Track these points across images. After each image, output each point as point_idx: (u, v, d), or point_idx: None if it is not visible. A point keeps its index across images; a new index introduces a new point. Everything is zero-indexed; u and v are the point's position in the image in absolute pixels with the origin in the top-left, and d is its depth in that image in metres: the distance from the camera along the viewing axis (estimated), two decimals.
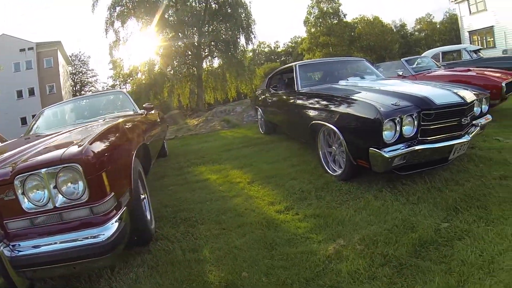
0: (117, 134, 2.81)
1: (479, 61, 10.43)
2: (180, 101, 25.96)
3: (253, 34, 23.42)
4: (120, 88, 28.51)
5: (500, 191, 3.07)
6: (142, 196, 3.00)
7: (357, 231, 2.72)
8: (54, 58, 36.65)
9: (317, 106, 4.33)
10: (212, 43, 23.76)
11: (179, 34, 21.88)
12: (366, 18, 36.47)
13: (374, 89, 4.02)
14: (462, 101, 3.31)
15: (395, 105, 3.12)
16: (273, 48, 59.68)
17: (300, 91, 5.18)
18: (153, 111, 5.55)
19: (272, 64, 50.76)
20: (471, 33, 24.36)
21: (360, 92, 3.89)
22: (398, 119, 3.01)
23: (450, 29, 40.40)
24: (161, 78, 23.27)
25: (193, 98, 24.92)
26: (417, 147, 3.08)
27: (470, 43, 22.82)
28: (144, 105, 5.07)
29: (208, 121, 13.42)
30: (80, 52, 54.64)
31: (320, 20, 34.39)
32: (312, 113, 4.41)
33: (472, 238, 2.40)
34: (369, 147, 3.14)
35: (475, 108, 3.79)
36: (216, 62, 25.10)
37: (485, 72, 6.68)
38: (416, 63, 8.59)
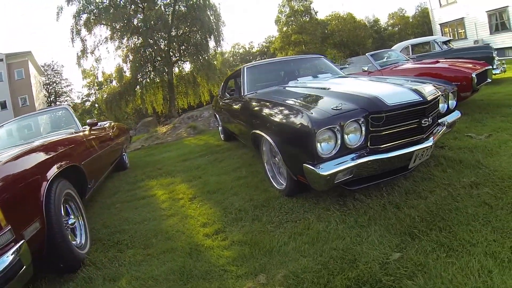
0: (23, 161, 2.51)
1: (449, 52, 9.94)
2: (154, 107, 25.14)
3: (222, 36, 22.83)
4: (96, 96, 27.26)
5: (469, 204, 2.53)
6: (72, 221, 2.94)
7: (284, 265, 2.21)
8: (25, 69, 34.99)
9: (255, 113, 3.77)
10: (182, 47, 23.18)
11: (148, 40, 21.03)
12: (339, 15, 35.93)
13: (319, 90, 3.43)
14: (421, 99, 2.69)
15: (336, 109, 2.54)
16: (247, 49, 58.96)
17: (244, 97, 4.62)
18: (102, 125, 5.67)
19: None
20: (443, 25, 24.01)
21: (300, 96, 3.35)
22: (337, 127, 2.43)
23: (422, 23, 40.45)
24: (132, 86, 22.66)
25: (166, 105, 24.35)
26: (364, 159, 2.49)
27: (442, 35, 22.45)
28: (87, 121, 4.88)
29: (175, 128, 12.70)
30: (53, 61, 52.29)
31: (292, 18, 33.62)
32: (252, 121, 3.83)
33: (426, 276, 1.84)
34: (303, 162, 2.54)
35: (440, 105, 3.27)
36: (188, 67, 24.38)
37: (455, 64, 6.05)
38: (384, 57, 7.94)
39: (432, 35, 23.25)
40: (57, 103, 44.00)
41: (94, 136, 4.69)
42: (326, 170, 2.37)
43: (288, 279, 2.04)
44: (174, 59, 23.68)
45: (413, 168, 2.90)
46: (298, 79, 4.66)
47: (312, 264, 2.14)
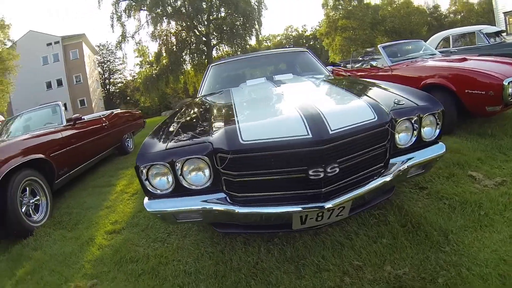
0: None
1: (498, 46, 8.08)
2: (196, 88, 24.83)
3: (260, 24, 22.31)
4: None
5: None
6: (35, 200, 3.82)
7: None
8: (79, 50, 37.69)
9: None
10: (221, 32, 22.19)
11: (190, 23, 20.59)
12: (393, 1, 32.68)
13: (220, 105, 2.77)
14: (306, 136, 1.75)
15: (178, 141, 2.10)
16: (300, 32, 56.72)
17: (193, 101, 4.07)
18: (92, 118, 6.81)
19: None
20: (507, 14, 20.57)
21: (186, 115, 2.94)
22: (168, 164, 1.93)
23: (488, 10, 35.78)
24: (174, 67, 22.24)
25: None
26: (196, 207, 1.94)
27: (506, 26, 19.44)
28: (71, 117, 5.43)
29: None
30: (107, 41, 53.73)
31: (340, 1, 30.95)
32: None
33: None
34: None
35: (400, 136, 2.16)
36: (227, 50, 23.40)
37: (487, 63, 4.46)
38: (404, 50, 6.35)
39: (495, 25, 20.21)
40: (111, 79, 47.31)
41: (75, 130, 5.26)
42: (151, 207, 2.02)
43: None
44: (214, 42, 23.16)
45: (303, 230, 2.24)
46: (247, 81, 3.83)
47: None
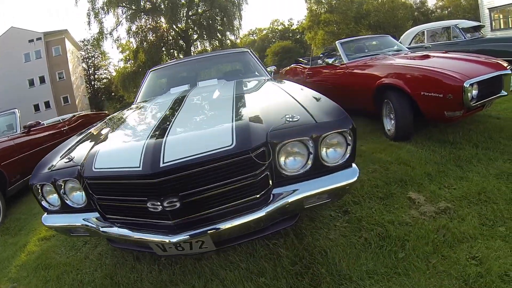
0: None
1: (476, 42, 7.47)
2: None
3: (239, 22, 21.94)
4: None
5: None
6: None
7: None
8: (62, 46, 36.65)
9: None
10: (200, 28, 21.72)
11: (167, 19, 20.02)
12: None
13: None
14: (137, 169, 1.59)
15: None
16: (286, 26, 56.01)
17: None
18: (50, 123, 6.73)
19: (283, 43, 47.73)
20: (492, 10, 19.90)
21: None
22: (51, 185, 1.98)
23: (475, 7, 35.28)
24: (153, 63, 21.45)
25: None
26: (63, 224, 2.04)
27: (491, 22, 18.85)
28: (27, 124, 5.37)
29: None
30: (91, 37, 52.61)
31: None
32: None
33: None
34: None
35: (288, 162, 1.77)
36: (207, 47, 22.82)
37: (450, 61, 3.87)
38: (366, 46, 5.74)
39: (480, 21, 19.61)
40: (96, 75, 46.69)
41: (28, 137, 5.21)
42: (46, 221, 2.11)
43: None
44: (192, 38, 22.80)
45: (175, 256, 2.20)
46: (171, 89, 3.70)
47: None
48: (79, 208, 1.98)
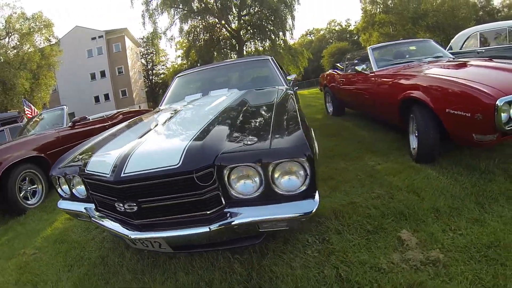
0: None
1: None
2: None
3: (291, 28, 21.55)
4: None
5: None
6: (33, 187, 4.77)
7: None
8: (122, 43, 39.07)
9: None
10: (252, 30, 21.68)
11: (219, 19, 20.15)
12: None
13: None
14: (106, 175, 1.83)
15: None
16: (344, 27, 54.47)
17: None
18: (97, 118, 7.23)
19: (340, 44, 46.42)
20: None
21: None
22: (62, 178, 2.43)
23: None
24: (203, 62, 21.79)
25: None
26: (80, 209, 2.33)
27: None
28: (74, 119, 6.00)
29: None
30: (145, 36, 55.21)
31: None
32: None
33: None
34: None
35: (239, 185, 1.77)
36: (259, 47, 22.65)
37: (490, 71, 3.30)
38: (403, 51, 5.20)
39: None
40: (154, 71, 48.61)
41: (73, 131, 5.80)
42: (60, 205, 2.53)
43: None
44: (244, 38, 22.67)
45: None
46: (185, 97, 3.95)
47: None
48: (82, 198, 2.33)
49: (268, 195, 1.69)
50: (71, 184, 2.34)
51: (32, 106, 12.64)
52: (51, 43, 28.70)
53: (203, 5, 20.39)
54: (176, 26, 21.43)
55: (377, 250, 2.04)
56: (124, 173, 1.73)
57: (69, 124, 5.84)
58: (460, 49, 8.33)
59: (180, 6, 20.61)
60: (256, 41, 22.82)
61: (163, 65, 48.79)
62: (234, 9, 20.79)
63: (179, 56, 27.37)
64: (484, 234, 2.03)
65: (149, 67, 48.53)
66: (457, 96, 2.86)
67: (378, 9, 28.99)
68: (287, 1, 20.86)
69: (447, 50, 8.81)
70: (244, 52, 22.43)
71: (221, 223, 1.70)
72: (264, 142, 1.73)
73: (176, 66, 26.23)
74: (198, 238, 1.77)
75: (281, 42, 21.84)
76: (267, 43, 22.06)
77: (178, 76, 4.68)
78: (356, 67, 4.91)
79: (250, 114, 2.50)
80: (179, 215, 1.78)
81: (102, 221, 2.08)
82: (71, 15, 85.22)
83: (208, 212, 1.74)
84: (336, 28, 56.38)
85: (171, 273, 2.18)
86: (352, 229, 2.32)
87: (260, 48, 22.36)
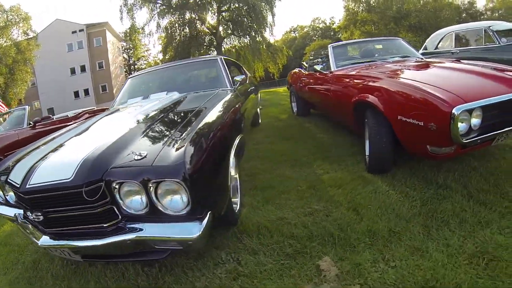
0: None
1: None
2: None
3: (271, 25, 21.07)
4: None
5: None
6: None
7: None
8: (103, 37, 38.11)
9: None
10: (231, 25, 21.22)
11: (198, 15, 19.75)
12: None
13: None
14: (17, 183, 1.87)
15: None
16: (328, 24, 54.33)
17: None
18: (58, 118, 7.13)
19: (323, 42, 46.27)
20: None
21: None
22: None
23: None
24: (180, 59, 21.21)
25: None
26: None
27: None
28: (35, 119, 5.95)
29: None
30: (123, 32, 54.09)
31: None
32: None
33: None
34: None
35: (127, 201, 1.74)
36: (237, 43, 22.26)
37: (454, 73, 2.92)
38: (368, 50, 4.82)
39: None
40: (136, 66, 47.29)
41: (33, 132, 5.63)
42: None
43: None
44: (223, 35, 22.18)
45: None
46: (128, 100, 3.92)
47: None
48: (14, 204, 2.20)
49: (156, 213, 1.67)
50: (4, 190, 2.26)
51: (1, 103, 12.16)
52: (29, 36, 27.80)
53: (182, 0, 19.77)
54: (155, 22, 20.66)
55: (288, 279, 1.74)
56: (29, 184, 1.76)
57: (30, 124, 5.75)
58: (435, 49, 8.08)
59: (159, 1, 19.96)
60: (235, 37, 22.35)
61: (145, 60, 47.85)
62: (213, 5, 20.21)
63: (160, 51, 26.93)
64: (421, 269, 1.68)
65: (131, 62, 47.44)
66: (410, 102, 2.49)
67: (360, 7, 28.80)
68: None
69: (422, 50, 8.59)
70: (223, 49, 21.91)
71: (113, 237, 1.69)
72: (150, 158, 1.67)
73: (158, 61, 25.68)
74: (91, 249, 1.76)
75: (261, 39, 21.31)
76: (246, 40, 21.57)
77: (130, 77, 4.59)
78: (315, 66, 4.51)
79: (163, 124, 2.41)
80: (80, 226, 1.78)
81: (24, 228, 2.02)
82: (52, 7, 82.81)
83: (104, 225, 1.73)
84: (320, 26, 56.33)
85: (85, 281, 2.13)
86: (271, 251, 2.05)
87: (239, 45, 21.97)
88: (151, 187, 1.58)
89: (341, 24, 32.19)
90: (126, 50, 46.32)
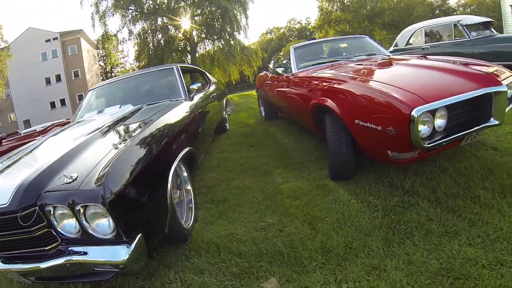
0: None
1: (482, 41, 6.21)
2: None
3: (245, 28, 20.84)
4: None
5: None
6: None
7: None
8: (77, 45, 37.10)
9: None
10: (204, 30, 20.92)
11: (169, 21, 19.49)
12: None
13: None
14: None
15: None
16: (304, 25, 54.49)
17: None
18: (26, 132, 6.82)
19: (299, 42, 46.48)
20: None
21: None
22: None
23: (499, 4, 32.87)
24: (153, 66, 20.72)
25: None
26: None
27: None
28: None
29: None
30: (95, 39, 53.13)
31: None
32: None
33: None
34: None
35: (61, 225, 1.73)
36: (211, 47, 21.97)
37: (418, 70, 2.70)
38: (334, 49, 4.60)
39: (502, 20, 17.75)
40: (113, 73, 45.70)
41: (1, 148, 5.34)
42: None
43: None
44: (197, 39, 21.69)
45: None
46: (84, 115, 3.79)
47: None
48: None
49: (89, 237, 1.64)
50: None
51: None
52: (0, 47, 26.86)
53: (154, 6, 19.35)
54: (127, 28, 20.17)
55: None
56: None
57: None
58: (406, 45, 7.98)
59: (132, 7, 19.48)
60: (209, 41, 22.04)
61: (122, 67, 46.89)
62: (186, 9, 19.84)
63: (134, 58, 26.52)
64: None
65: (107, 69, 46.38)
66: (367, 105, 2.28)
67: (334, 7, 28.86)
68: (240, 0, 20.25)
69: (393, 47, 8.49)
70: (197, 54, 21.54)
71: (53, 260, 1.66)
72: (79, 181, 1.64)
73: (135, 68, 25.19)
74: (36, 273, 1.74)
75: (235, 42, 21.07)
76: (220, 43, 21.28)
77: (90, 90, 4.46)
78: (276, 69, 4.26)
79: (103, 142, 2.28)
80: (24, 250, 1.75)
81: None
82: (25, 16, 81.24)
83: (46, 248, 1.71)
84: (296, 27, 56.52)
85: None
86: (217, 270, 1.92)
87: (213, 49, 21.69)
88: (80, 211, 1.56)
89: (315, 24, 32.16)
90: (102, 58, 45.33)
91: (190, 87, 3.68)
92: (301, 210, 2.42)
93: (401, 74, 2.70)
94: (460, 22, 6.66)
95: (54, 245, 1.70)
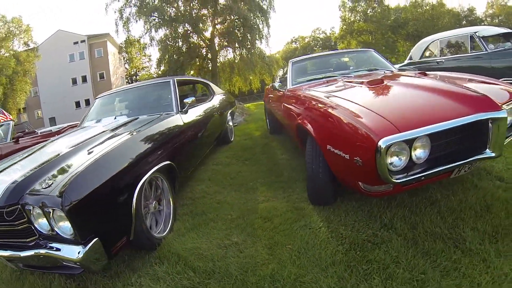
0: None
1: (500, 55, 5.69)
2: None
3: (267, 37, 20.91)
4: None
5: None
6: None
7: None
8: (104, 48, 38.33)
9: None
10: (226, 38, 21.09)
11: (192, 29, 19.79)
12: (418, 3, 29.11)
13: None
14: None
15: None
16: (328, 35, 53.98)
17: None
18: (42, 132, 6.91)
19: (325, 51, 46.03)
20: None
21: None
22: None
23: None
24: (172, 72, 20.97)
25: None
26: None
27: None
28: (18, 134, 6.01)
29: None
30: (120, 43, 54.08)
31: (361, 3, 27.94)
32: None
33: None
34: None
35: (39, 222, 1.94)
36: (232, 55, 22.14)
37: (407, 90, 2.53)
38: (336, 63, 4.52)
39: None
40: (137, 77, 46.96)
41: (16, 146, 5.38)
42: None
43: None
44: (218, 47, 21.90)
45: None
46: (85, 123, 4.12)
47: None
48: None
49: (58, 235, 1.83)
50: None
51: (5, 112, 12.08)
52: (29, 47, 27.89)
53: (176, 14, 19.63)
54: (149, 35, 20.53)
55: None
56: None
57: (12, 139, 5.74)
58: (420, 58, 7.69)
59: (155, 15, 19.83)
60: (230, 49, 22.13)
61: (147, 71, 47.66)
62: (208, 17, 20.07)
63: (156, 64, 27.08)
64: None
65: (132, 72, 47.37)
66: (337, 131, 2.17)
67: (357, 17, 28.51)
68: (262, 8, 20.27)
69: (408, 60, 8.24)
70: (217, 63, 21.65)
71: (30, 250, 1.89)
72: (53, 186, 1.83)
73: (159, 72, 25.63)
74: (18, 259, 1.95)
75: (256, 51, 21.08)
76: (242, 52, 21.30)
77: (97, 98, 4.64)
78: (274, 83, 4.23)
79: (87, 151, 2.41)
80: (10, 239, 2.00)
81: None
82: (55, 18, 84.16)
83: (27, 240, 1.94)
84: (321, 36, 55.99)
85: (21, 286, 2.26)
86: (170, 280, 1.99)
87: (234, 57, 21.79)
88: (50, 213, 1.76)
89: (338, 34, 31.84)
90: (127, 61, 46.41)
91: (184, 101, 3.71)
92: (268, 233, 2.36)
93: (385, 96, 2.55)
94: (477, 33, 6.24)
95: (33, 238, 1.93)
